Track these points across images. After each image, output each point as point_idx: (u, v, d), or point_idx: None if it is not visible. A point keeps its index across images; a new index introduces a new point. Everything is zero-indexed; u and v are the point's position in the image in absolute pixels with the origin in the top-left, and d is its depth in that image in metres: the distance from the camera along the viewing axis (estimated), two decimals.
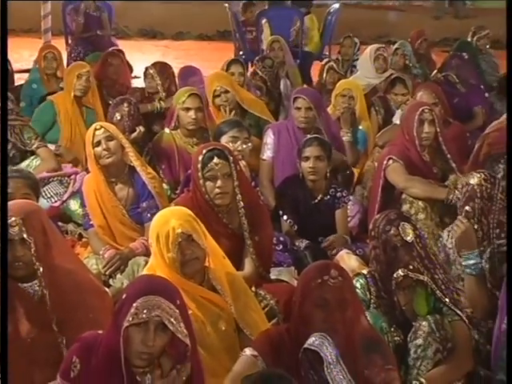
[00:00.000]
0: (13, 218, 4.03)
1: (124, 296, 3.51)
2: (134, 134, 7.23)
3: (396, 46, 10.73)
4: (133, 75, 10.95)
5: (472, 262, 4.94)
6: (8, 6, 15.91)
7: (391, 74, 9.29)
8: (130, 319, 3.39)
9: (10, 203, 4.30)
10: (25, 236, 4.02)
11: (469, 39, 11.68)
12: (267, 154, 7.25)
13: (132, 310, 3.39)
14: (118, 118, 7.31)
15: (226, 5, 14.00)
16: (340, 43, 11.40)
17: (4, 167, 5.72)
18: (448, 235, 5.30)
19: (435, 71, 10.59)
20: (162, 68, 8.91)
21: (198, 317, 4.28)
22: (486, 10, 18.28)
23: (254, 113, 8.24)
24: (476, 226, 5.06)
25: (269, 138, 7.30)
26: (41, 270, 4.06)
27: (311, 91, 7.71)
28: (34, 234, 4.06)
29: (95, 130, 6.04)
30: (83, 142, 7.19)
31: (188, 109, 7.12)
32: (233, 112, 7.95)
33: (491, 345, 4.57)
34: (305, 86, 10.32)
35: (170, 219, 4.42)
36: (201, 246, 4.41)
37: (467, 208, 5.09)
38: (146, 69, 8.99)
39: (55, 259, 4.16)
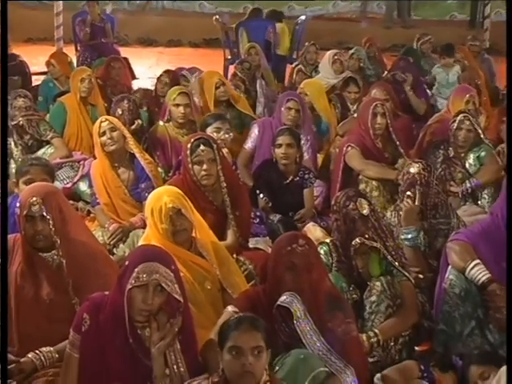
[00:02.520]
0: (34, 198, 4.04)
1: (126, 263, 3.55)
2: (134, 126, 7.20)
3: (352, 51, 10.72)
4: None
5: (410, 235, 5.00)
6: (26, 18, 15.99)
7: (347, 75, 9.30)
8: (133, 282, 3.43)
9: (31, 185, 4.37)
10: (44, 213, 4.03)
11: (414, 45, 11.67)
12: (249, 144, 7.23)
13: (134, 275, 3.43)
14: (120, 112, 7.28)
15: (217, 17, 13.94)
16: (305, 49, 11.39)
17: (4, 167, 5.69)
18: (391, 214, 5.37)
19: (386, 72, 10.58)
20: (174, 76, 8.92)
21: (188, 278, 4.29)
22: (428, 20, 18.33)
23: (238, 107, 8.24)
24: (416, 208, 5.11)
25: (254, 131, 7.28)
26: (58, 242, 4.06)
27: (298, 94, 7.71)
28: (52, 211, 4.06)
29: (101, 122, 6.11)
30: (89, 134, 7.24)
31: (178, 105, 7.14)
32: (224, 104, 8.08)
33: (433, 302, 4.61)
34: (280, 86, 10.30)
35: (163, 196, 4.47)
36: (188, 219, 4.45)
37: (408, 193, 5.13)
38: (161, 75, 9.01)
39: (70, 233, 4.16)
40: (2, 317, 3.72)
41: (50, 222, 4.04)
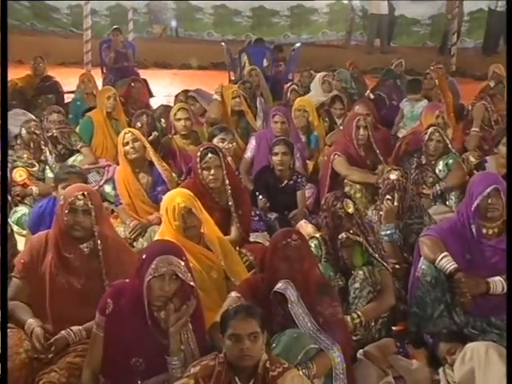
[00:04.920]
0: (80, 193, 4.07)
1: (144, 256, 3.56)
2: (151, 137, 7.20)
3: (335, 73, 10.70)
4: None
5: (389, 232, 5.03)
6: (60, 45, 15.97)
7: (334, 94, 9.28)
8: (152, 273, 3.44)
9: (76, 185, 4.40)
10: (88, 207, 4.05)
11: (392, 68, 11.66)
12: (248, 154, 7.21)
13: (153, 266, 3.44)
14: (139, 125, 7.28)
15: (223, 44, 13.93)
16: (300, 73, 11.38)
17: (4, 169, 5.66)
18: (372, 213, 5.37)
19: (368, 91, 10.56)
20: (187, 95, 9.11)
21: (197, 268, 4.29)
22: (404, 47, 18.29)
23: (248, 118, 8.29)
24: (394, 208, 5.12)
25: (252, 142, 7.27)
26: (97, 232, 4.06)
27: (284, 109, 7.70)
28: (94, 206, 4.07)
29: (125, 133, 6.11)
30: (113, 143, 7.24)
31: (179, 119, 7.18)
32: (237, 114, 8.16)
33: (407, 288, 4.61)
34: (277, 104, 10.24)
35: (176, 197, 4.51)
36: (197, 216, 4.48)
37: (388, 196, 5.16)
38: (178, 94, 9.31)
39: (105, 228, 4.16)
40: (2, 317, 3.69)
41: (93, 214, 4.05)
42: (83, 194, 4.07)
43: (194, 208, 4.47)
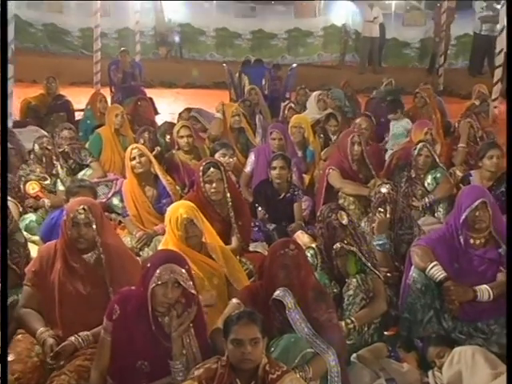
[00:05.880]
0: (81, 207, 4.06)
1: (149, 264, 3.56)
2: (154, 152, 7.14)
3: (330, 92, 10.71)
4: None
5: (381, 242, 4.99)
6: (71, 65, 16.02)
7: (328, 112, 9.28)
8: (156, 280, 3.43)
9: (77, 199, 4.40)
10: (89, 220, 4.03)
11: (381, 88, 11.67)
12: (248, 168, 7.22)
13: (156, 275, 3.43)
14: (142, 141, 7.24)
15: (224, 65, 13.96)
16: (296, 91, 11.38)
17: (4, 170, 5.65)
18: (365, 224, 5.35)
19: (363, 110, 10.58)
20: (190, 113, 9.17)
21: (198, 275, 4.27)
22: (394, 68, 18.33)
23: (247, 135, 8.30)
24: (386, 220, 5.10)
25: (251, 157, 7.28)
26: (99, 242, 4.05)
27: (281, 126, 7.73)
28: (95, 218, 4.06)
29: (132, 149, 6.11)
30: (121, 158, 7.24)
31: (182, 136, 7.20)
32: (237, 130, 8.16)
33: (399, 295, 4.59)
34: (275, 121, 10.24)
35: (179, 209, 4.53)
36: (199, 227, 4.50)
37: (380, 209, 5.13)
38: (182, 112, 9.34)
39: (106, 237, 4.14)
40: (2, 317, 3.68)
41: (94, 226, 4.04)
42: (84, 208, 4.06)
43: (196, 219, 4.48)
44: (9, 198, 5.88)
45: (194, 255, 4.37)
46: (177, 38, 19.27)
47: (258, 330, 3.22)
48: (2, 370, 3.32)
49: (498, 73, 11.77)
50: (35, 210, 6.37)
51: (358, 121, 8.00)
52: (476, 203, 4.35)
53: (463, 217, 4.35)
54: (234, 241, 5.25)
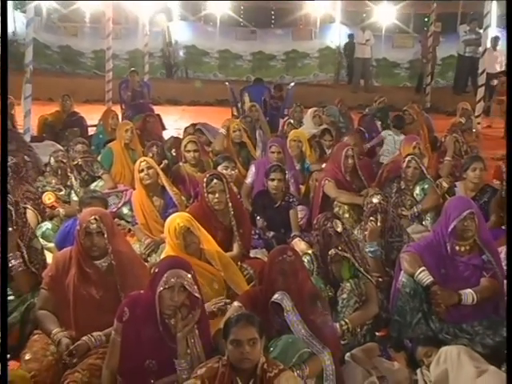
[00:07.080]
0: (92, 217, 4.04)
1: (157, 270, 3.55)
2: (161, 165, 7.14)
3: (325, 109, 10.71)
4: None
5: (373, 249, 4.98)
6: (84, 84, 16.05)
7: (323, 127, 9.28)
8: (163, 284, 3.43)
9: (88, 209, 4.36)
10: (100, 229, 4.02)
11: (374, 105, 11.68)
12: (249, 180, 7.18)
13: (164, 279, 3.43)
14: (150, 155, 7.25)
15: (227, 84, 13.97)
16: (293, 108, 11.39)
17: (4, 172, 5.63)
18: (358, 231, 5.35)
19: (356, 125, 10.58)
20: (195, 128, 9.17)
21: (199, 281, 4.20)
22: (385, 86, 18.41)
23: (248, 148, 8.31)
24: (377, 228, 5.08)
25: (252, 169, 7.25)
26: (110, 250, 4.03)
27: (280, 140, 7.73)
28: (106, 227, 4.04)
29: (141, 162, 6.13)
30: (130, 170, 7.24)
31: (189, 151, 7.15)
32: (238, 145, 8.17)
33: (389, 298, 4.57)
34: (274, 135, 10.22)
35: (176, 219, 4.55)
36: (196, 234, 4.51)
37: (371, 218, 5.10)
38: (187, 127, 9.32)
39: (117, 244, 4.12)
40: (2, 317, 3.66)
41: (105, 235, 4.02)
42: (95, 218, 4.04)
43: (192, 227, 4.49)
44: (28, 206, 5.91)
45: (194, 262, 4.30)
46: (182, 59, 19.33)
47: (256, 331, 3.20)
48: (2, 370, 3.28)
49: (481, 91, 11.82)
50: (51, 218, 6.37)
51: (346, 138, 7.98)
52: (464, 214, 4.34)
53: (452, 226, 4.34)
54: (236, 248, 5.22)
